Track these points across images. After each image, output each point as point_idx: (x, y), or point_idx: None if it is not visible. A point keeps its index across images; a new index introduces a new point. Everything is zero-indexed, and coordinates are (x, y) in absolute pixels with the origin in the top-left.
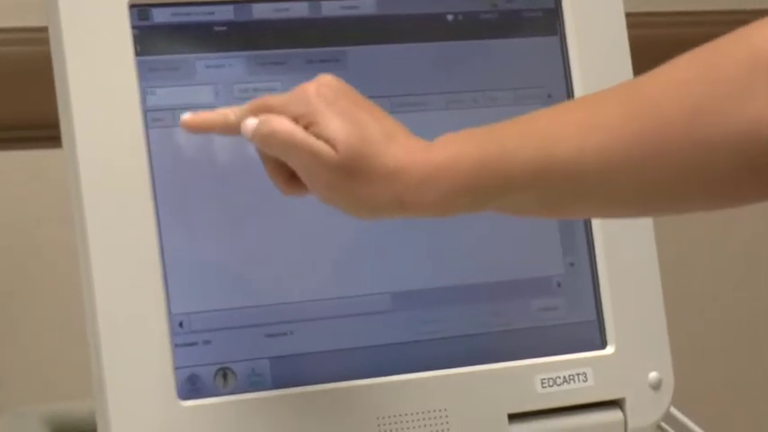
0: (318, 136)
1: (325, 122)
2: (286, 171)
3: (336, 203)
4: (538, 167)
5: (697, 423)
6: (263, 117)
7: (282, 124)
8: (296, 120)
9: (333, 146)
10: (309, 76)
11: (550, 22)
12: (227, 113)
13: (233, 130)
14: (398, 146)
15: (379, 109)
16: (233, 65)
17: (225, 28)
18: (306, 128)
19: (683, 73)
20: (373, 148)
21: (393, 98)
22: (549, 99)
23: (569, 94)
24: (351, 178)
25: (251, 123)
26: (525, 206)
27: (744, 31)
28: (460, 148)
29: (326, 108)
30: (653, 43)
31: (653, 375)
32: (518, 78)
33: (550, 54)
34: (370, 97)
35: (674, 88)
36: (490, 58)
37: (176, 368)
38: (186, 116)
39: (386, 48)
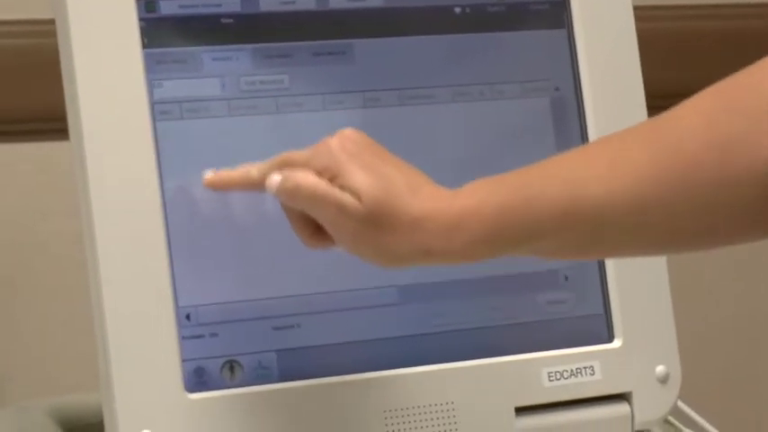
0: (343, 188)
1: (349, 174)
2: (311, 225)
3: (363, 254)
4: (563, 211)
5: (704, 417)
6: (287, 172)
7: (306, 178)
8: (320, 173)
9: (358, 197)
10: (316, 68)
11: (558, 15)
12: (250, 170)
13: (256, 186)
14: (423, 195)
15: (403, 161)
16: (240, 57)
17: (232, 20)
18: (330, 181)
19: (707, 108)
20: (398, 199)
21: (400, 91)
22: (557, 92)
23: (576, 87)
24: (376, 229)
25: (275, 179)
26: (553, 250)
27: (766, 61)
28: (484, 194)
29: (350, 160)
30: (660, 36)
31: (660, 369)
32: (525, 71)
33: (558, 47)
34: (378, 90)
35: (697, 124)
36: (497, 50)
37: (183, 361)
38: (208, 175)
39: (393, 40)
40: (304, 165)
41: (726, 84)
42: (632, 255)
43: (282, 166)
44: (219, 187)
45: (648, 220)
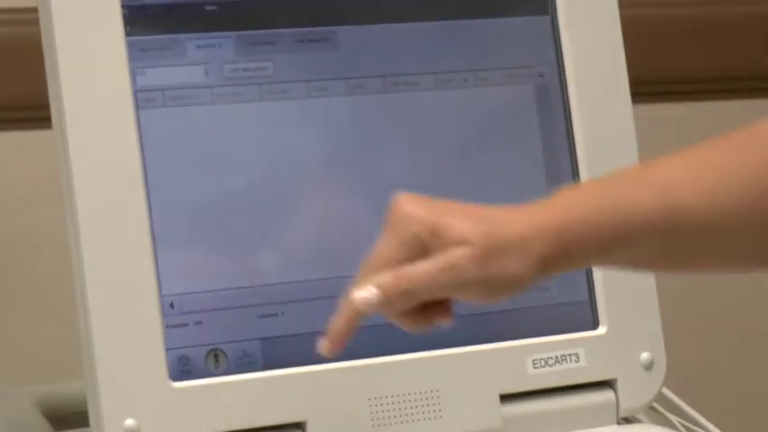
0: (446, 245)
1: (445, 227)
2: (413, 311)
3: (490, 297)
4: (658, 216)
5: (690, 404)
6: (389, 278)
7: (416, 271)
8: (418, 246)
9: (464, 243)
10: (300, 55)
11: (542, 1)
12: (350, 309)
13: (372, 310)
14: (514, 213)
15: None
16: (223, 44)
17: (215, 7)
18: (430, 246)
19: None
20: (498, 225)
21: (384, 78)
22: (541, 78)
23: (561, 73)
24: (493, 262)
25: (388, 282)
26: (646, 259)
27: None
28: (576, 201)
29: (436, 214)
30: (645, 23)
31: (645, 356)
32: (510, 58)
33: (542, 33)
34: (361, 77)
35: None
36: (482, 37)
37: (167, 349)
38: (324, 345)
39: (377, 27)
40: (390, 254)
41: None
42: (739, 270)
43: (373, 270)
44: (340, 345)
45: (747, 229)
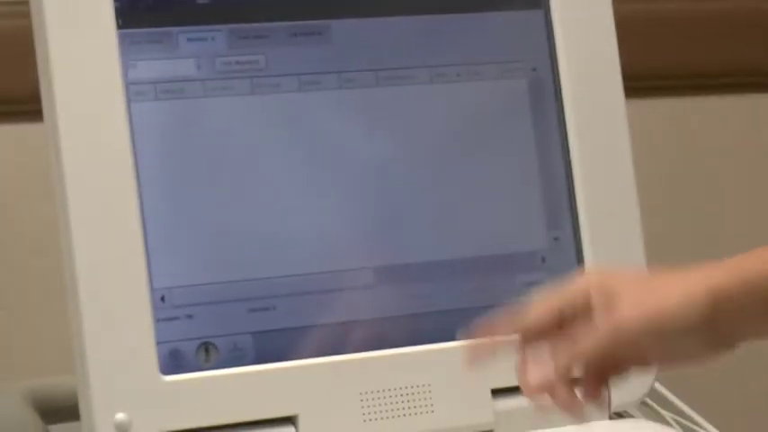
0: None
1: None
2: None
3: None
4: None
5: (682, 399)
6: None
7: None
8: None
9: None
10: (292, 49)
11: None
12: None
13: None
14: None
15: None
16: (215, 38)
17: (207, 1)
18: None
19: None
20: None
21: (377, 72)
22: (534, 73)
23: (554, 67)
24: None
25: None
26: None
27: None
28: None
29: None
30: (638, 17)
31: None
32: (503, 52)
33: (535, 28)
34: (354, 71)
35: None
36: (475, 31)
37: (158, 343)
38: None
39: (370, 21)
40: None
41: None
42: None
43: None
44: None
45: None
